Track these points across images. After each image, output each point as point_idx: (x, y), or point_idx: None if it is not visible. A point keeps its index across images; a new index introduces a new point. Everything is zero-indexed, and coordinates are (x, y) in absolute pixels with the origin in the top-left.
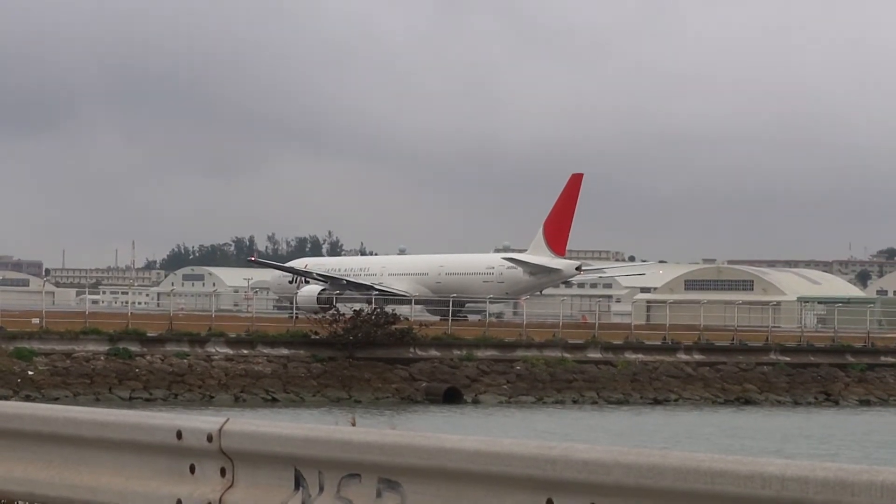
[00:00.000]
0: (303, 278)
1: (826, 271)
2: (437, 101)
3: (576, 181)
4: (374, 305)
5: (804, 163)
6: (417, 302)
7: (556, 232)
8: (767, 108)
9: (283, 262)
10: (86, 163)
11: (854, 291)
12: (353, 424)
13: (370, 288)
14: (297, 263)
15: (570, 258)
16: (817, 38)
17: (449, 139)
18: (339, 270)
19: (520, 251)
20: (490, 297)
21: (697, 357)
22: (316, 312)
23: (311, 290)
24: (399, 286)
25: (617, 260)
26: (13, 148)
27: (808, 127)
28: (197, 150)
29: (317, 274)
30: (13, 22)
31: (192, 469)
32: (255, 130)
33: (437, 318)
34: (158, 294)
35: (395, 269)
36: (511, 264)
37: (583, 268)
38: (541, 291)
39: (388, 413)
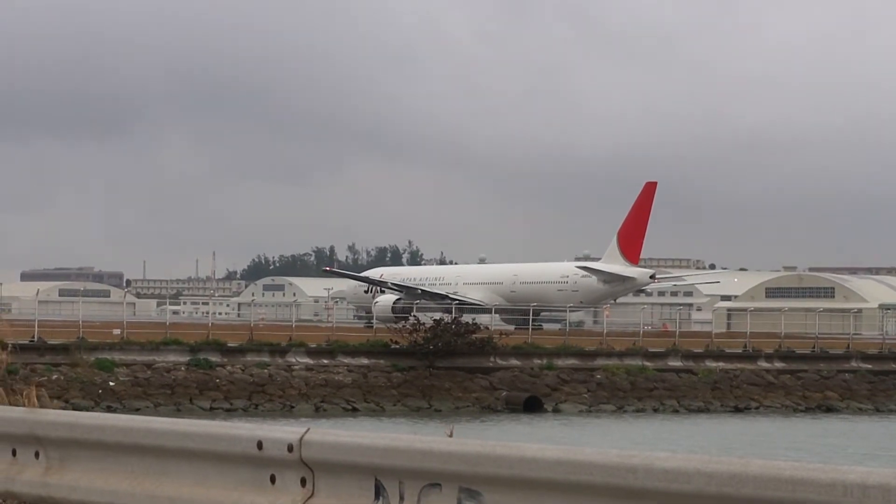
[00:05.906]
0: (378, 288)
1: None
2: (509, 106)
3: (649, 190)
4: (452, 315)
5: (883, 166)
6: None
7: (630, 240)
8: (844, 111)
9: (363, 272)
10: (160, 171)
11: None
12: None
13: (445, 297)
14: (373, 273)
15: (652, 266)
16: (894, 38)
17: (522, 144)
18: (414, 280)
19: (599, 259)
20: (570, 307)
21: (778, 365)
22: (393, 322)
23: (387, 299)
24: (474, 295)
25: (697, 268)
26: (87, 156)
27: (886, 129)
28: (271, 156)
29: (392, 284)
30: (85, 29)
31: (273, 479)
32: (327, 137)
33: (513, 327)
34: (239, 304)
35: (470, 278)
36: (585, 273)
37: (658, 276)
38: (615, 300)
39: (468, 422)
